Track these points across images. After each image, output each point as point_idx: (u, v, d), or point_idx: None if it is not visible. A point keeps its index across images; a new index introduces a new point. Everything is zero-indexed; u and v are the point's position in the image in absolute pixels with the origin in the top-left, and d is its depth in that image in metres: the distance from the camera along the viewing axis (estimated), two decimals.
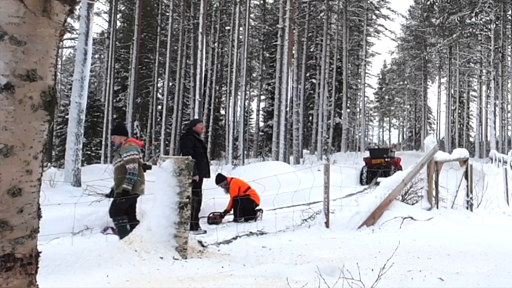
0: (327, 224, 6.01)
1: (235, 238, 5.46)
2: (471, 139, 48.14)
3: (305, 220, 6.72)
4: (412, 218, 6.11)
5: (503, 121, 34.55)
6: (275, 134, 23.20)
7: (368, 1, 39.52)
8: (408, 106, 60.57)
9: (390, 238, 5.23)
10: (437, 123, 54.07)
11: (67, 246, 4.10)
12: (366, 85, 45.48)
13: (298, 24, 29.42)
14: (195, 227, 6.29)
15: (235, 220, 7.62)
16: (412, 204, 7.94)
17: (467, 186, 8.93)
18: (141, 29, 28.01)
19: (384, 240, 5.21)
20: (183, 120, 31.05)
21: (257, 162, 22.78)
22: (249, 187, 8.21)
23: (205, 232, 6.43)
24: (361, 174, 17.46)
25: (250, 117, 43.87)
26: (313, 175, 8.50)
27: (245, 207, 7.68)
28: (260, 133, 39.92)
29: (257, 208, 8.03)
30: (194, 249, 4.48)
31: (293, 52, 24.79)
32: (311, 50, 37.30)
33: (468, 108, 49.96)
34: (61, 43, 1.57)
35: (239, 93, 29.62)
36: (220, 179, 8.39)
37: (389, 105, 63.32)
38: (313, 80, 37.51)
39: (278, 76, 24.35)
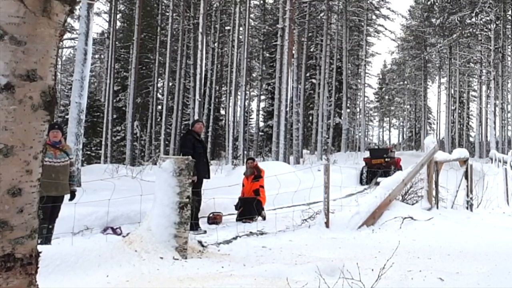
0: (327, 224, 6.01)
1: (235, 238, 5.45)
2: (471, 139, 48.12)
3: (305, 220, 6.72)
4: (412, 218, 6.10)
5: (503, 121, 34.56)
6: (275, 134, 23.19)
7: (368, 1, 39.51)
8: (408, 106, 60.53)
9: (390, 238, 5.23)
10: (437, 123, 54.07)
11: (67, 246, 4.10)
12: (366, 85, 45.47)
13: (298, 24, 29.41)
14: (195, 227, 6.28)
15: (239, 220, 7.59)
16: (412, 204, 7.93)
17: (467, 186, 8.92)
18: (141, 29, 27.99)
19: (384, 240, 5.21)
20: (183, 120, 31.04)
21: (258, 162, 22.73)
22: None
23: (205, 232, 6.43)
24: (361, 174, 17.48)
25: (250, 117, 43.86)
26: (313, 175, 8.50)
27: (259, 206, 7.83)
28: (260, 133, 39.91)
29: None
30: (194, 249, 4.48)
31: (293, 52, 24.78)
32: (311, 50, 37.29)
33: (468, 108, 49.96)
34: (61, 43, 1.57)
35: (239, 93, 29.61)
36: (254, 160, 8.89)
37: (389, 105, 63.29)
38: (313, 80, 37.51)
39: (278, 76, 24.34)
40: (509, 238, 5.42)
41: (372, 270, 3.47)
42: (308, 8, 30.86)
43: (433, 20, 37.02)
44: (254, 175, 8.27)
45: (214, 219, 7.58)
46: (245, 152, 28.72)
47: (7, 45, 1.38)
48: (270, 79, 38.33)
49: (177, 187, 4.34)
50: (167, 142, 28.85)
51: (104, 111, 28.17)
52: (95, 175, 11.31)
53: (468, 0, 32.74)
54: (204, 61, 21.59)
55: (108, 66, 28.56)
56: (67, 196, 5.48)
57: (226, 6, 33.01)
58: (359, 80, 44.48)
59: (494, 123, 30.43)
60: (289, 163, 21.82)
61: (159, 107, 33.24)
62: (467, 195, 8.90)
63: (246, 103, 35.99)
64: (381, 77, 61.14)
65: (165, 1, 32.02)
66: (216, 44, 35.28)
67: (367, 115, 54.98)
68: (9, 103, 1.39)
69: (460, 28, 33.04)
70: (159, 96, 34.38)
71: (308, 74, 36.33)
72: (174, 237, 4.25)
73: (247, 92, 35.83)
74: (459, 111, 46.17)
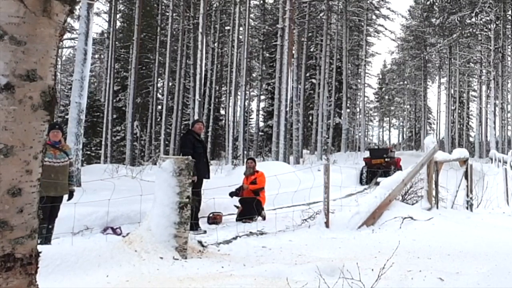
0: (327, 224, 6.01)
1: (235, 238, 5.45)
2: (471, 139, 48.13)
3: (305, 220, 6.72)
4: (412, 218, 6.10)
5: (503, 121, 34.55)
6: (275, 134, 23.19)
7: (368, 1, 39.51)
8: (408, 106, 60.55)
9: (390, 238, 5.23)
10: (437, 123, 54.11)
11: (67, 246, 4.09)
12: (366, 85, 45.49)
13: (298, 24, 29.41)
14: (195, 227, 6.28)
15: (239, 220, 7.58)
16: (412, 204, 7.93)
17: (467, 186, 8.92)
18: (141, 29, 27.99)
19: (384, 240, 5.21)
20: (183, 120, 31.04)
21: (257, 162, 22.73)
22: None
23: (205, 232, 6.43)
24: (361, 174, 17.47)
25: (250, 117, 43.86)
26: (313, 175, 8.50)
27: (259, 206, 7.81)
28: (260, 133, 39.91)
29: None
30: (194, 249, 4.48)
31: (293, 52, 24.77)
32: (311, 50, 37.30)
33: (468, 108, 49.96)
34: (61, 43, 1.57)
35: (239, 93, 29.62)
36: (254, 160, 8.76)
37: (389, 105, 63.30)
38: (313, 80, 37.51)
39: (278, 76, 24.34)
40: (509, 238, 5.42)
41: (372, 270, 3.47)
42: (308, 8, 30.86)
43: (433, 20, 37.00)
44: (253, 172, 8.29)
45: (214, 219, 7.58)
46: (245, 152, 28.72)
47: (7, 45, 1.38)
48: (270, 79, 38.33)
49: (177, 187, 4.34)
50: (167, 142, 28.85)
51: (104, 111, 28.17)
52: (95, 175, 11.32)
53: (468, 0, 32.74)
54: (204, 61, 21.60)
55: (108, 66, 28.56)
56: (66, 196, 5.48)
57: (226, 6, 33.02)
58: (359, 80, 44.48)
59: (494, 123, 30.44)
60: (289, 163, 21.81)
61: (159, 107, 33.25)
62: (467, 195, 8.89)
63: (246, 103, 35.99)
64: (381, 77, 61.16)
65: (165, 1, 32.02)
66: (216, 44, 35.29)
67: (367, 115, 54.97)
68: (9, 103, 1.39)
69: (460, 28, 33.03)
70: (159, 96, 34.38)
71: (308, 74, 36.33)
72: (174, 237, 4.25)
73: (247, 92, 35.82)
74: (459, 111, 46.18)
